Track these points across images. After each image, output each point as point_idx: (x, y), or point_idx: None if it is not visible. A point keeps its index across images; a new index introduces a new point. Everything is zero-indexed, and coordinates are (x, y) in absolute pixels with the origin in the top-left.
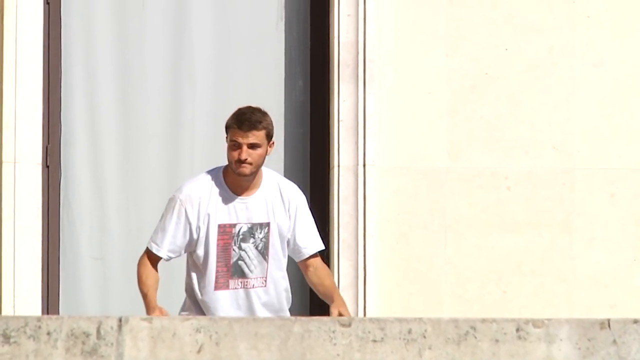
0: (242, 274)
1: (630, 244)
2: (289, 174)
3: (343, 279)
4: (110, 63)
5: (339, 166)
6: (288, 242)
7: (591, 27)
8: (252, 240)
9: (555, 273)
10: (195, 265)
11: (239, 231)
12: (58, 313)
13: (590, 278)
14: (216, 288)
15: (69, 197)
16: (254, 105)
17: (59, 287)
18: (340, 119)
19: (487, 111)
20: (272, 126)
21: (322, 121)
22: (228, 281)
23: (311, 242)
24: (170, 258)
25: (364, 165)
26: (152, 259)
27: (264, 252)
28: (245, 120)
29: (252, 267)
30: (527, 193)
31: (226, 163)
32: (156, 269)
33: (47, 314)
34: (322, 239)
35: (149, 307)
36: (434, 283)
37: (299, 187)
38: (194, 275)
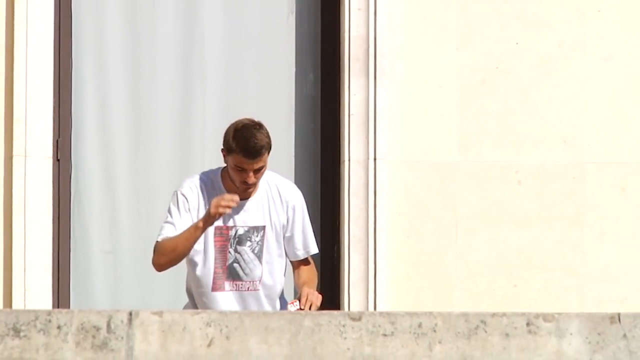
0: (237, 277)
1: None
2: (299, 168)
3: (353, 273)
4: (121, 57)
5: (349, 160)
6: (285, 241)
7: (602, 21)
8: (248, 243)
9: (566, 267)
10: (194, 266)
11: (235, 234)
12: (68, 307)
13: (600, 272)
14: (213, 289)
15: (79, 190)
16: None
17: (70, 281)
18: (350, 113)
19: (497, 105)
20: (271, 139)
21: (332, 115)
22: (224, 283)
23: (305, 246)
24: None
25: (375, 159)
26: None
27: (259, 256)
28: (251, 148)
29: (247, 271)
30: (537, 187)
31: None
32: None
33: (58, 307)
34: (331, 234)
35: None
36: (445, 277)
37: (309, 181)
38: (192, 276)
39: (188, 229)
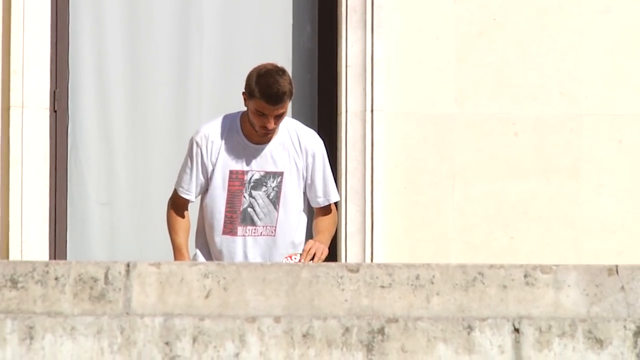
0: (251, 222)
1: (638, 190)
2: (296, 119)
3: (350, 225)
4: (118, 7)
5: (346, 112)
6: (305, 188)
7: None
8: (264, 188)
9: (563, 219)
10: (206, 208)
11: (250, 178)
12: (65, 259)
13: (597, 224)
14: (224, 233)
15: (76, 142)
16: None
17: (67, 232)
18: (348, 65)
19: (494, 57)
20: (293, 85)
21: (329, 67)
22: (236, 227)
23: (325, 193)
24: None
25: (372, 111)
26: (181, 203)
27: (274, 201)
28: (273, 94)
29: (261, 216)
30: (534, 139)
31: (243, 109)
32: (184, 214)
33: (55, 259)
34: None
35: (176, 250)
36: (442, 229)
37: None
38: (203, 218)
39: (172, 240)
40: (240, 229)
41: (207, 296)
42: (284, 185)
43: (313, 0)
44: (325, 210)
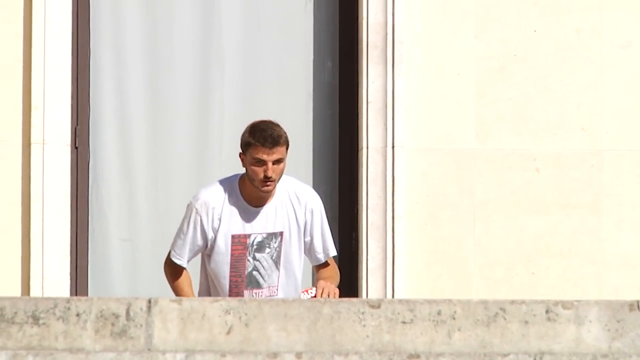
0: (256, 284)
1: None
2: (317, 156)
3: (372, 261)
4: (139, 45)
5: (367, 147)
6: (304, 245)
7: (619, 8)
8: (267, 250)
9: (584, 254)
10: (211, 274)
11: (253, 241)
12: (86, 294)
13: (618, 259)
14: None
15: (97, 178)
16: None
17: (88, 268)
18: (369, 101)
19: (515, 93)
20: (288, 136)
21: (351, 103)
22: (242, 291)
23: (325, 249)
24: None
25: (393, 147)
26: (176, 265)
27: (277, 261)
28: (268, 136)
29: (266, 277)
30: (555, 174)
31: (241, 172)
32: (183, 272)
33: (76, 295)
34: (350, 222)
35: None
36: (463, 264)
37: (328, 169)
38: (207, 282)
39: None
40: (246, 293)
41: (228, 332)
42: (284, 244)
43: (334, 35)
44: (325, 264)
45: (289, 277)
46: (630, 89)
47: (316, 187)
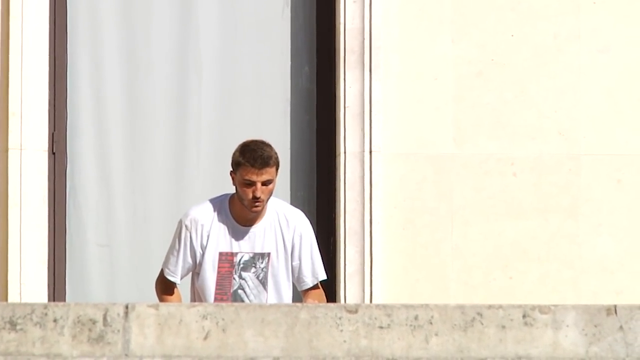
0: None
1: (637, 230)
2: (295, 161)
3: (349, 266)
4: (116, 50)
5: (345, 153)
6: (292, 269)
7: (597, 12)
8: (253, 269)
9: (562, 259)
10: (198, 291)
11: (240, 260)
12: (64, 300)
13: (596, 264)
14: None
15: (75, 184)
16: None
17: (65, 274)
18: (346, 106)
19: (493, 97)
20: (278, 157)
21: (328, 108)
22: None
23: (313, 273)
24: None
25: (370, 152)
26: (169, 282)
27: (264, 282)
28: (258, 157)
29: (251, 297)
30: (533, 179)
31: (230, 192)
32: (174, 291)
33: (54, 301)
34: (327, 227)
35: None
36: (441, 269)
37: (305, 174)
38: (195, 300)
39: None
40: None
41: (205, 337)
42: (271, 266)
43: (311, 41)
44: (313, 287)
45: (278, 298)
46: (608, 93)
47: (294, 192)
